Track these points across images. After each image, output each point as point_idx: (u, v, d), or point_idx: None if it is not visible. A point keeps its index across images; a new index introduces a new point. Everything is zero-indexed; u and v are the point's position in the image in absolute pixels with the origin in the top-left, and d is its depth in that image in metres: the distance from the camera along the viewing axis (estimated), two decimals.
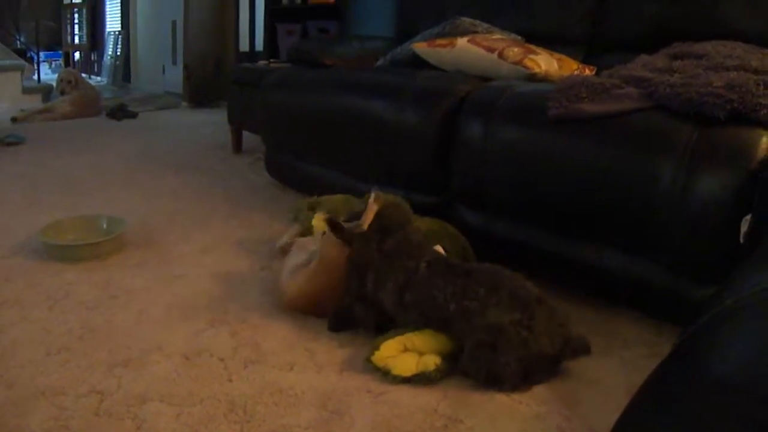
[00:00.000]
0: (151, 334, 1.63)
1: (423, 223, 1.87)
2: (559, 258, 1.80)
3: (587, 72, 2.30)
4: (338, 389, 1.39)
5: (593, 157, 1.66)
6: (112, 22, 8.81)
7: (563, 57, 2.33)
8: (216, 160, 3.81)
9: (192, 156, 3.92)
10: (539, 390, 1.39)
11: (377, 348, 1.45)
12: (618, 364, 1.51)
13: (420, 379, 1.39)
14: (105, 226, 2.34)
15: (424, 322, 1.49)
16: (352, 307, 1.61)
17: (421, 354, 1.44)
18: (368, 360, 1.45)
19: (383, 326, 1.55)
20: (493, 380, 1.37)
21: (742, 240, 1.43)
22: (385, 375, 1.41)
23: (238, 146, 4.03)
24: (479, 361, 1.37)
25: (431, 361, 1.41)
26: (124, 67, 8.39)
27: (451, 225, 1.94)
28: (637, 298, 1.71)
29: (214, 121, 5.15)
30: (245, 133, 4.00)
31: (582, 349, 1.42)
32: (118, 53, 8.43)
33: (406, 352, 1.45)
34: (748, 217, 1.42)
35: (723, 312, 0.59)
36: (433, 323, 1.48)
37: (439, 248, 1.69)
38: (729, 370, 0.49)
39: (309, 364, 1.49)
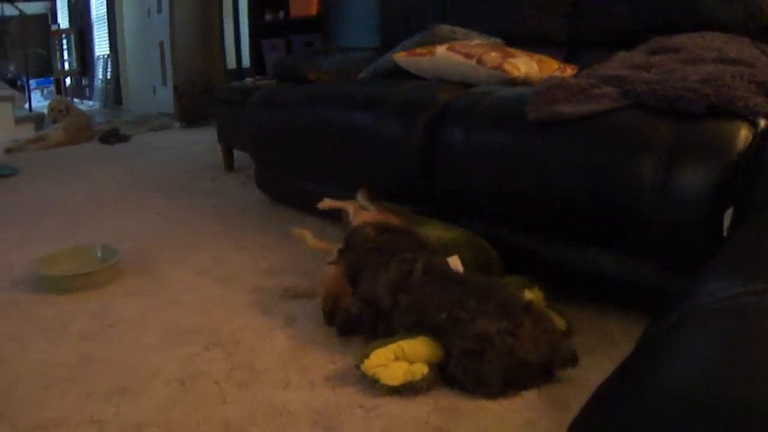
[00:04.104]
0: (147, 361, 1.64)
1: (448, 233, 1.88)
2: (545, 259, 1.82)
3: (568, 71, 2.31)
4: (331, 405, 1.40)
5: (573, 158, 1.67)
6: (101, 46, 8.85)
7: (543, 57, 2.34)
8: (208, 179, 3.83)
9: (184, 177, 3.94)
10: (529, 396, 1.39)
11: (367, 356, 1.45)
12: (607, 363, 1.50)
13: (407, 389, 1.40)
14: (99, 255, 2.36)
15: (416, 326, 1.49)
16: (361, 315, 1.63)
17: (410, 363, 1.44)
18: (357, 367, 1.45)
19: (379, 330, 1.56)
20: (480, 384, 1.38)
21: (725, 233, 1.44)
22: (374, 384, 1.42)
23: (229, 165, 4.05)
24: (467, 367, 1.38)
25: (418, 371, 1.41)
26: (115, 90, 8.43)
27: (483, 239, 1.88)
28: (625, 296, 1.71)
29: (206, 140, 5.17)
30: (236, 151, 4.02)
31: (569, 360, 1.42)
32: (109, 76, 8.47)
33: (396, 360, 1.45)
34: (731, 210, 1.43)
35: (677, 321, 0.60)
36: (424, 330, 1.48)
37: (455, 259, 1.70)
38: (677, 380, 0.51)
39: (302, 382, 1.50)
